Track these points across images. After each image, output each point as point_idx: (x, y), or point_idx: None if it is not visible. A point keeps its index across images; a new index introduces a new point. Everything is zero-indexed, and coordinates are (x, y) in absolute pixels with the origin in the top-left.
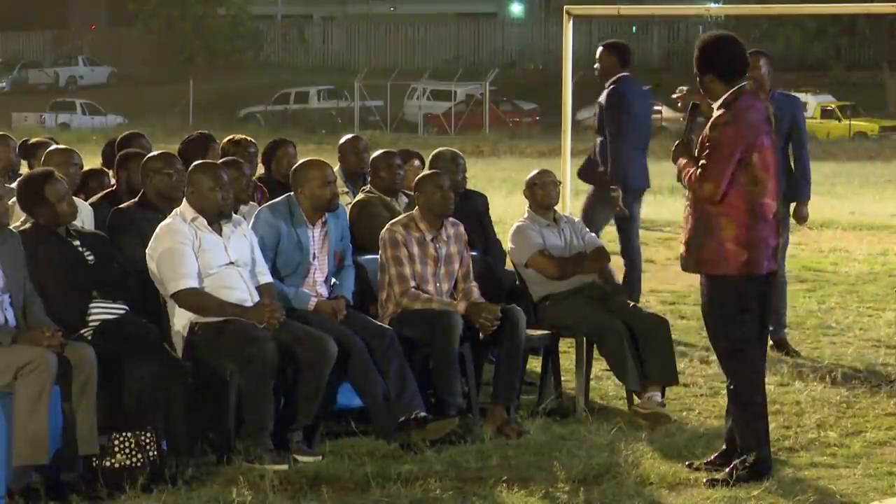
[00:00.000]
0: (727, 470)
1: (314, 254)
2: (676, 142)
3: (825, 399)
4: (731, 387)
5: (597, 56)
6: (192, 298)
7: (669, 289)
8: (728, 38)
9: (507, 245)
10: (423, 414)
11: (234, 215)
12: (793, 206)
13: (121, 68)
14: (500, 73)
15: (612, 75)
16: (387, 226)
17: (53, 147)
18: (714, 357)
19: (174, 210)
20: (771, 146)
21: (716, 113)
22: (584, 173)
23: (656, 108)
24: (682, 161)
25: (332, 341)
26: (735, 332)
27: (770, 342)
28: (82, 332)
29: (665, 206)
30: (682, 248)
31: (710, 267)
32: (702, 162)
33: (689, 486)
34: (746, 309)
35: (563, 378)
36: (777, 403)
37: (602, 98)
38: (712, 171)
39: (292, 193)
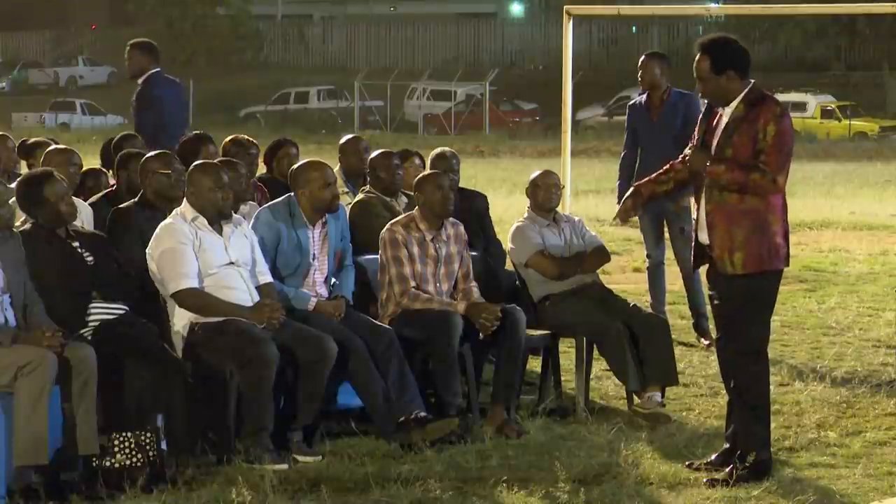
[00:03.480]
0: (727, 470)
1: (314, 254)
2: (692, 146)
3: (825, 399)
4: (737, 389)
5: (126, 56)
6: (192, 298)
7: (669, 289)
8: (729, 37)
9: (507, 245)
10: (423, 414)
11: (234, 215)
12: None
13: (121, 68)
14: (500, 73)
15: (144, 73)
16: (387, 226)
17: (53, 147)
18: (714, 357)
19: (174, 210)
20: None
21: (734, 108)
22: None
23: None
24: (720, 167)
25: (331, 341)
26: (756, 332)
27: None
28: (82, 332)
29: None
30: (719, 252)
31: (763, 263)
32: (766, 157)
33: (689, 486)
34: (770, 305)
35: (563, 378)
36: (777, 403)
37: (133, 98)
38: (781, 164)
39: (292, 194)
